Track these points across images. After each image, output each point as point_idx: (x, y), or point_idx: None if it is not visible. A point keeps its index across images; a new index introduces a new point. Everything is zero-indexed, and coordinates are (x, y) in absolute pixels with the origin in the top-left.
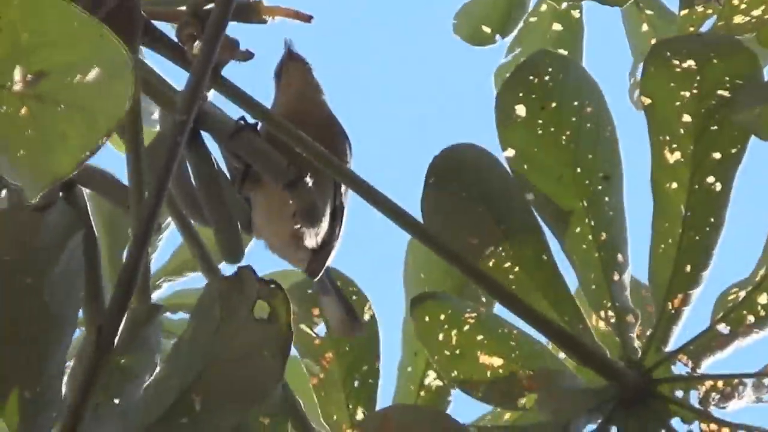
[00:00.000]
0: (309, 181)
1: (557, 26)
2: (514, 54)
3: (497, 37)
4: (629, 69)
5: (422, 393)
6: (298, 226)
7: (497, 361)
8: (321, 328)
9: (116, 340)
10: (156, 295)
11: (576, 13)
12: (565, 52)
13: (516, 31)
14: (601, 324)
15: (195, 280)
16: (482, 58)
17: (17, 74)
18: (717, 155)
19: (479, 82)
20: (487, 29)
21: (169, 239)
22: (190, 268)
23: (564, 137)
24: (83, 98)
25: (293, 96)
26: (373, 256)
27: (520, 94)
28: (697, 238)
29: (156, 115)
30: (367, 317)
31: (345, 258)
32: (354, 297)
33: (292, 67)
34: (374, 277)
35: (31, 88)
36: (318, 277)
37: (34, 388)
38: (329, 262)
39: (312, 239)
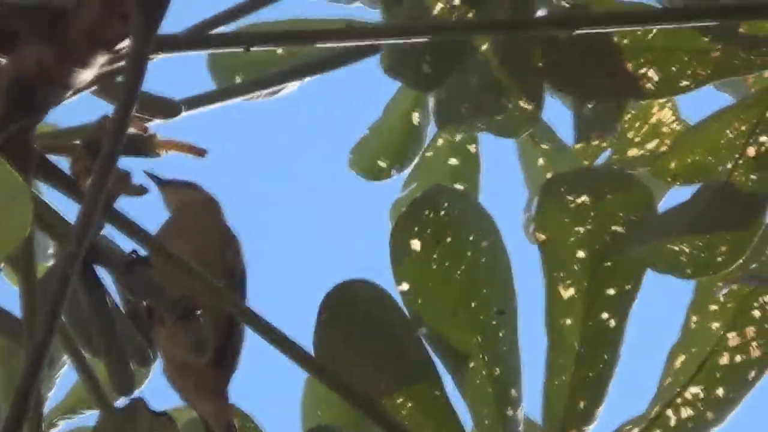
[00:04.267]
0: (199, 313)
1: (454, 161)
2: (411, 188)
3: (393, 171)
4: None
5: None
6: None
7: None
8: None
9: None
10: None
11: (472, 148)
12: (462, 187)
13: (412, 166)
14: None
15: (92, 419)
16: (379, 193)
17: None
18: (611, 291)
19: (375, 217)
20: (383, 164)
21: (66, 377)
22: (86, 405)
23: (459, 272)
24: None
25: (175, 218)
26: (270, 391)
27: (416, 229)
28: (591, 374)
29: (51, 250)
30: None
31: (242, 393)
32: None
33: (167, 194)
34: (271, 413)
35: None
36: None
37: None
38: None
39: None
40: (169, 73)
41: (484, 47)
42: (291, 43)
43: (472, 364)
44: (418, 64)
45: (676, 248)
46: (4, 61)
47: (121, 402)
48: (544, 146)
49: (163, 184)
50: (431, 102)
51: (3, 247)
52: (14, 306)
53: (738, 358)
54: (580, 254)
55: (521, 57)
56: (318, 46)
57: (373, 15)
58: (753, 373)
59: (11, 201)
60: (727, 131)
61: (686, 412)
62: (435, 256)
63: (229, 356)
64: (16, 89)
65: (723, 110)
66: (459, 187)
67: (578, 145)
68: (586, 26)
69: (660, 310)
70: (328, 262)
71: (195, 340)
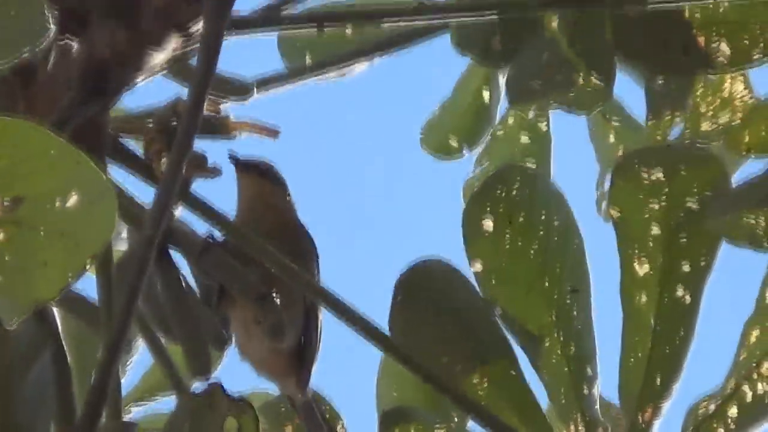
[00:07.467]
0: (276, 296)
1: (525, 138)
2: (482, 167)
3: (464, 150)
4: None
5: None
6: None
7: None
8: None
9: None
10: (127, 419)
11: (543, 125)
12: (533, 164)
13: (483, 144)
14: None
15: (166, 405)
16: (450, 172)
17: None
18: (686, 267)
19: (447, 195)
20: (453, 142)
21: (138, 364)
22: (161, 390)
23: (532, 250)
24: (64, 224)
25: (246, 205)
26: (346, 372)
27: (488, 208)
28: (667, 350)
29: (124, 234)
30: None
31: (316, 374)
32: (327, 415)
33: (241, 179)
34: (346, 394)
35: (8, 214)
36: (310, 414)
37: None
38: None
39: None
40: (238, 54)
41: (554, 23)
42: (361, 22)
43: (547, 343)
44: (487, 41)
45: (752, 221)
46: (75, 44)
47: (197, 386)
48: (615, 122)
49: (242, 167)
50: (501, 80)
51: (90, 249)
52: (91, 291)
53: None
54: (655, 230)
55: (592, 33)
56: (388, 24)
57: None
58: None
59: (97, 202)
60: None
61: (763, 387)
62: (507, 234)
63: (309, 340)
64: (89, 72)
65: None
66: (530, 165)
67: (650, 121)
68: (657, 1)
69: (734, 284)
70: (401, 242)
71: (271, 323)
